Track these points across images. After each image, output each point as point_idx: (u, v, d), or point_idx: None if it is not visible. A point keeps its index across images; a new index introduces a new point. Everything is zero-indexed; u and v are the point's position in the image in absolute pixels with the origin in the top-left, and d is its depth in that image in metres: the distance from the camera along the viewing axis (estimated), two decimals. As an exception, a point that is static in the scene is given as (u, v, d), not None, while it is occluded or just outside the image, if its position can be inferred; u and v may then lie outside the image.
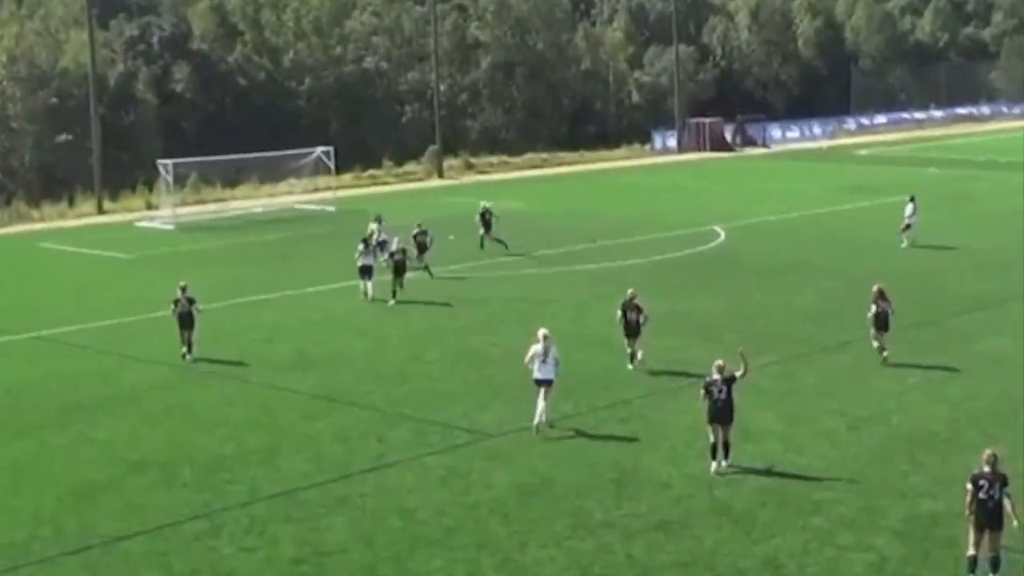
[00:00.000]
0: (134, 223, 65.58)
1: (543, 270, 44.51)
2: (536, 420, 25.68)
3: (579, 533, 20.51)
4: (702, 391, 23.37)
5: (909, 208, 48.09)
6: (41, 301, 43.50)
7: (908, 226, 47.81)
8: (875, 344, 30.46)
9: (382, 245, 42.66)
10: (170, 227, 62.38)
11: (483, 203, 51.90)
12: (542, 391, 25.71)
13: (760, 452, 24.10)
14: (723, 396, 23.12)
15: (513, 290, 41.49)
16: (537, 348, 25.84)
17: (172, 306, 33.81)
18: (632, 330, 30.24)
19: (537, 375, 25.77)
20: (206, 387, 30.64)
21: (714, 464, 23.17)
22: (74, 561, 20.14)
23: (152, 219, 65.92)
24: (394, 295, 39.93)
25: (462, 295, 41.05)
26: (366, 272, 40.50)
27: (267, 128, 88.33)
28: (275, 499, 22.56)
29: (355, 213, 52.93)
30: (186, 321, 33.53)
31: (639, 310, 30.18)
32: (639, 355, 30.40)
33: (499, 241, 49.36)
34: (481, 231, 50.11)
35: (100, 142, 73.60)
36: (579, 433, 25.79)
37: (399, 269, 40.45)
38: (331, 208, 65.05)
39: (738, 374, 23.53)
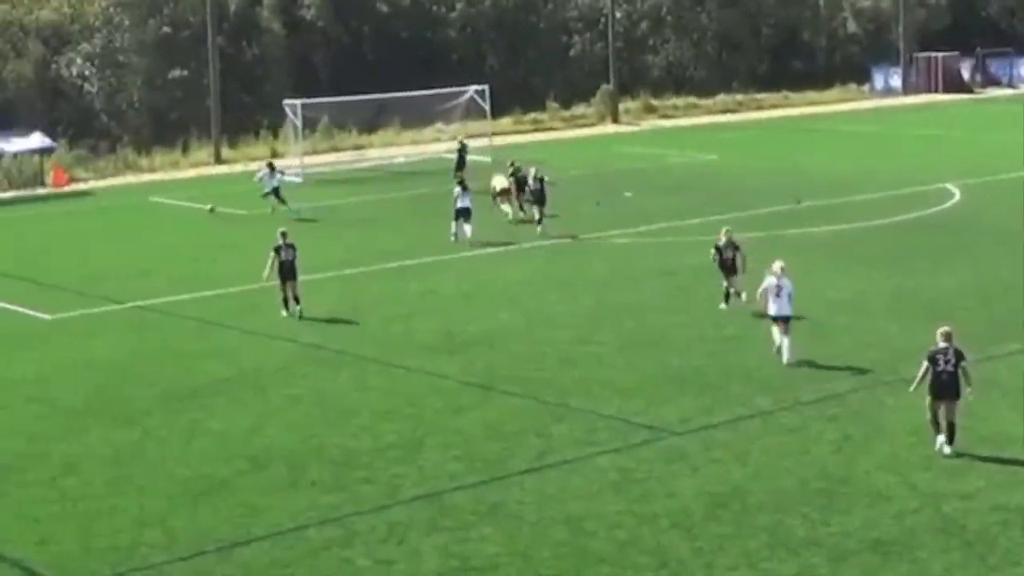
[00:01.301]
0: (257, 174, 66.75)
1: (739, 235, 44.08)
2: (785, 359, 29.27)
3: (778, 553, 20.33)
4: (924, 363, 23.76)
5: None
6: (150, 264, 44.58)
7: None
8: None
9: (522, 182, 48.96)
10: (298, 179, 63.36)
11: (460, 138, 62.04)
12: (779, 327, 29.45)
13: (1002, 461, 23.61)
14: (950, 367, 23.57)
15: (703, 258, 41.16)
16: (770, 282, 29.40)
17: (272, 255, 35.75)
18: (730, 270, 34.17)
19: (771, 311, 29.43)
20: (338, 370, 31.03)
21: (940, 438, 23.71)
22: (185, 569, 20.54)
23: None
24: (539, 222, 46.18)
25: (642, 263, 40.95)
26: (465, 214, 44.86)
27: (412, 63, 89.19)
28: (417, 503, 22.74)
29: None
30: (289, 272, 35.55)
31: (736, 248, 34.19)
32: (743, 296, 33.42)
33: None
34: (454, 168, 57.75)
35: (218, 79, 75.01)
36: (780, 433, 25.57)
37: (539, 198, 46.46)
38: (486, 158, 65.39)
39: (965, 363, 23.82)
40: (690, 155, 67.62)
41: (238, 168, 70.22)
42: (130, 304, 38.55)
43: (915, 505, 21.89)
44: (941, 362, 23.55)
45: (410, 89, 72.16)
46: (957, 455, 23.40)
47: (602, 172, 62.40)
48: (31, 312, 38.13)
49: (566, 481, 23.49)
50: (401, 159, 69.63)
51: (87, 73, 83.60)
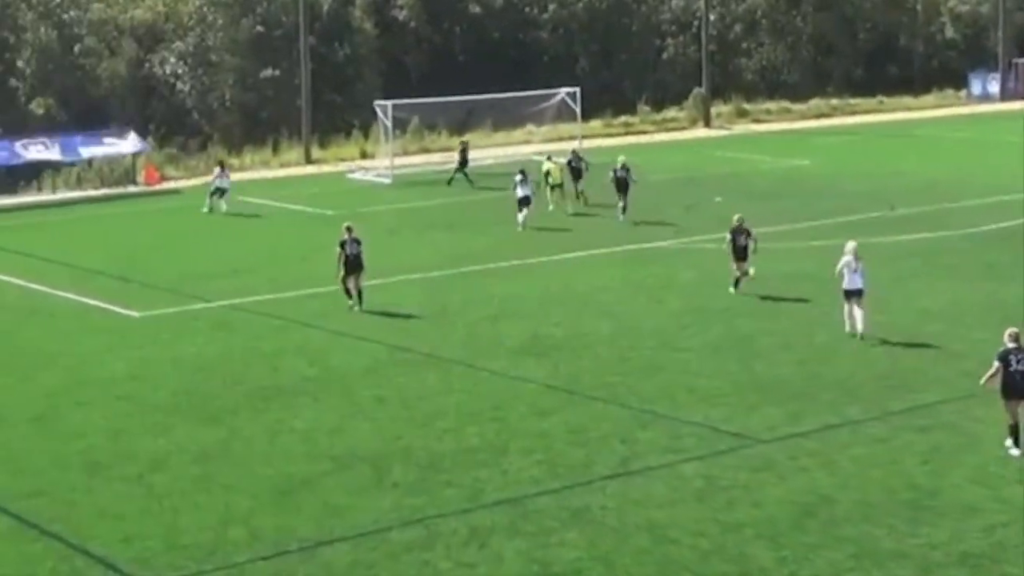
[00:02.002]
0: (346, 175, 67.30)
1: (830, 242, 43.88)
2: (859, 330, 31.62)
3: (863, 564, 20.20)
4: (996, 363, 24.15)
5: None
6: (239, 264, 44.94)
7: None
8: None
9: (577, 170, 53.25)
10: (387, 180, 63.71)
11: (465, 137, 67.00)
12: (853, 301, 31.71)
13: (1094, 475, 23.38)
14: (1022, 367, 23.94)
15: (793, 265, 41.08)
16: (847, 260, 31.71)
17: (339, 249, 36.76)
18: (741, 255, 36.71)
19: (847, 285, 31.70)
20: (424, 373, 31.15)
21: (1016, 450, 24.05)
22: (267, 568, 20.71)
23: (367, 171, 67.50)
24: (623, 210, 49.32)
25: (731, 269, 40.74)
26: (525, 203, 48.25)
27: (503, 65, 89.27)
28: (500, 507, 22.81)
29: (604, 167, 53.14)
30: (355, 265, 36.72)
31: (748, 234, 36.71)
32: (751, 271, 36.65)
33: (468, 179, 61.15)
34: (456, 165, 61.81)
35: (310, 79, 75.49)
36: (868, 443, 25.39)
37: (621, 186, 49.45)
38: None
39: None
40: (782, 160, 67.28)
41: (328, 168, 70.66)
42: (218, 303, 38.90)
43: (1004, 519, 21.68)
44: (1013, 362, 23.96)
45: (501, 91, 72.31)
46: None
47: (693, 176, 62.25)
48: (120, 310, 38.57)
49: (650, 488, 23.47)
50: (490, 161, 69.69)
51: (180, 72, 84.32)
